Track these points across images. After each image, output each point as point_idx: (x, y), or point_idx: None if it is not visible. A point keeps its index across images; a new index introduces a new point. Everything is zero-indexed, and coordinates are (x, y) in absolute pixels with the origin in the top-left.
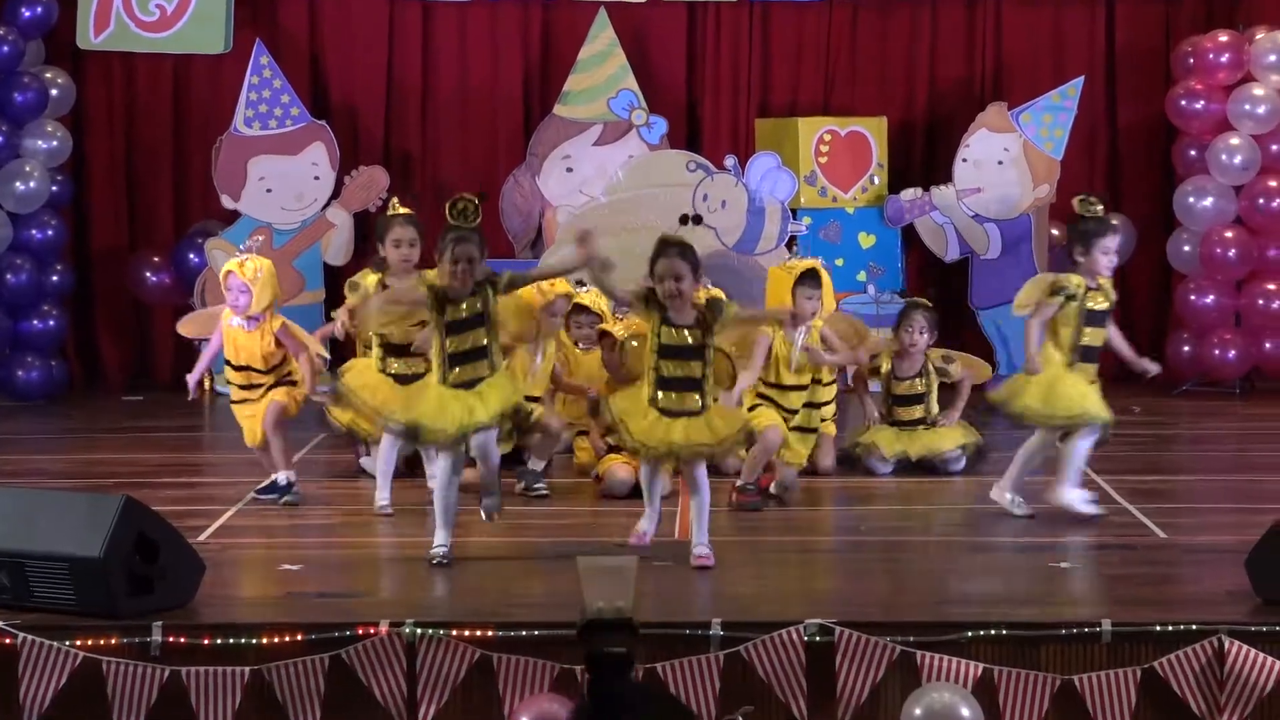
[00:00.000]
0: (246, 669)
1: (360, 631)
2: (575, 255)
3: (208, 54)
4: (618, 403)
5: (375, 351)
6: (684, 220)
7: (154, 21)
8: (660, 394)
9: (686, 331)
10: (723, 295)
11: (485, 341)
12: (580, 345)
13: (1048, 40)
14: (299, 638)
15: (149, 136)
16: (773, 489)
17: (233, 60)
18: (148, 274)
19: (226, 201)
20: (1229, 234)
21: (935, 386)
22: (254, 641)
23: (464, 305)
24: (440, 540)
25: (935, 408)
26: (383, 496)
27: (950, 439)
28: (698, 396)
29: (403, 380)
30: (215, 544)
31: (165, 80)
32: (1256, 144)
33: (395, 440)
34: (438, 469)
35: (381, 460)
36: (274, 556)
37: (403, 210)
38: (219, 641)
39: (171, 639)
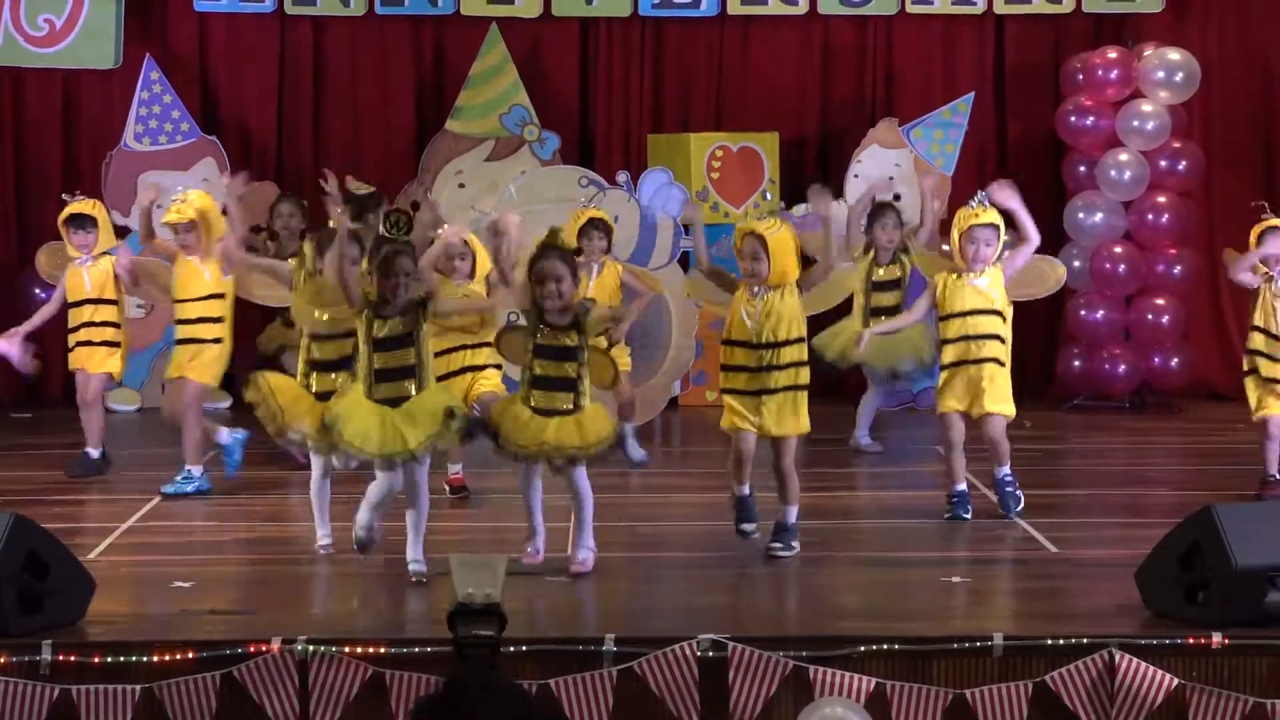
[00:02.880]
0: (137, 687)
1: (252, 649)
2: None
3: (98, 69)
4: (496, 406)
5: (300, 367)
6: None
7: (43, 36)
8: (534, 393)
9: (562, 333)
10: None
11: (413, 361)
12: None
13: (938, 57)
14: (190, 655)
15: (38, 152)
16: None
17: (123, 75)
18: (36, 290)
19: (117, 217)
20: (1118, 249)
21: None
22: (145, 659)
23: (392, 324)
24: (363, 522)
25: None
26: (324, 534)
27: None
28: (571, 396)
29: (323, 397)
30: (105, 562)
31: (55, 95)
32: (1145, 160)
33: (324, 473)
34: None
35: (314, 496)
36: (165, 574)
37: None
38: (109, 659)
39: (61, 657)
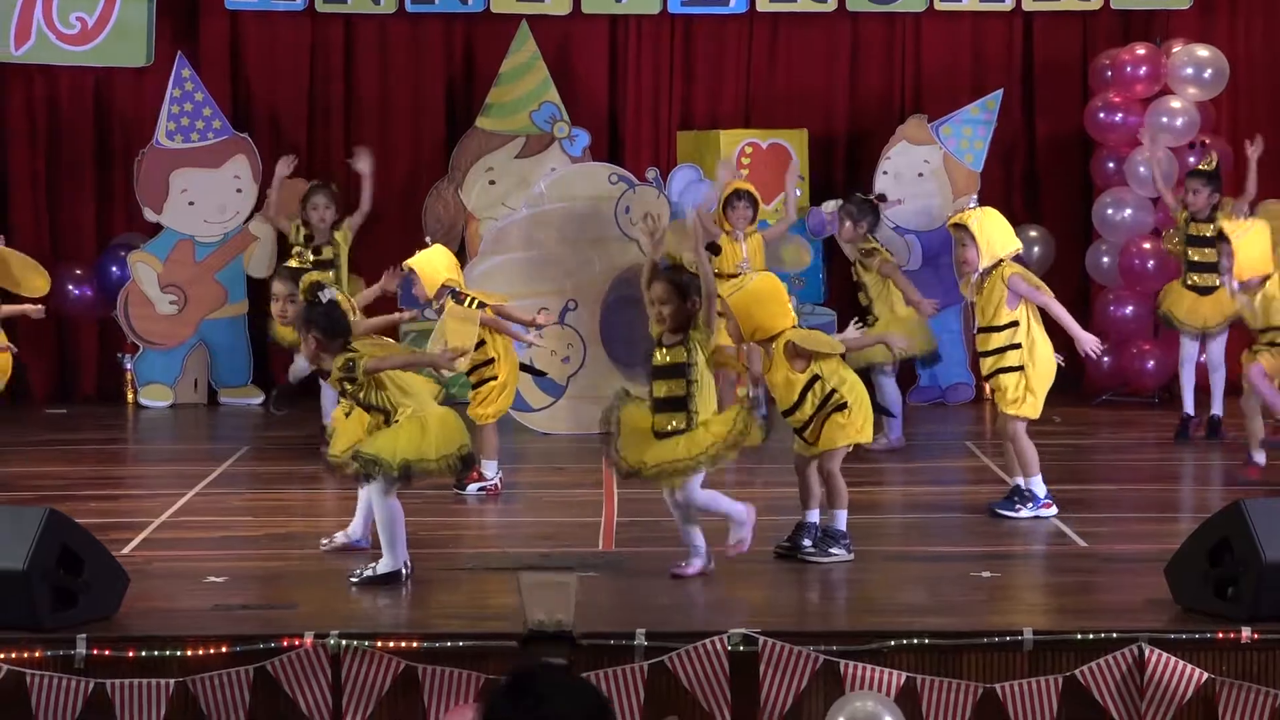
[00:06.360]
0: (171, 681)
1: (285, 643)
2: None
3: (129, 67)
4: (626, 413)
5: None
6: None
7: (75, 34)
8: (655, 416)
9: (668, 351)
10: None
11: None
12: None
13: (967, 53)
14: (224, 649)
15: (71, 149)
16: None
17: (154, 73)
18: (70, 287)
19: (149, 214)
20: (1147, 245)
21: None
22: (179, 653)
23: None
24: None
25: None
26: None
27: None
28: (682, 416)
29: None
30: (139, 556)
31: (87, 92)
32: (1174, 156)
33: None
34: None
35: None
36: (198, 569)
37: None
38: (144, 654)
39: (96, 651)
